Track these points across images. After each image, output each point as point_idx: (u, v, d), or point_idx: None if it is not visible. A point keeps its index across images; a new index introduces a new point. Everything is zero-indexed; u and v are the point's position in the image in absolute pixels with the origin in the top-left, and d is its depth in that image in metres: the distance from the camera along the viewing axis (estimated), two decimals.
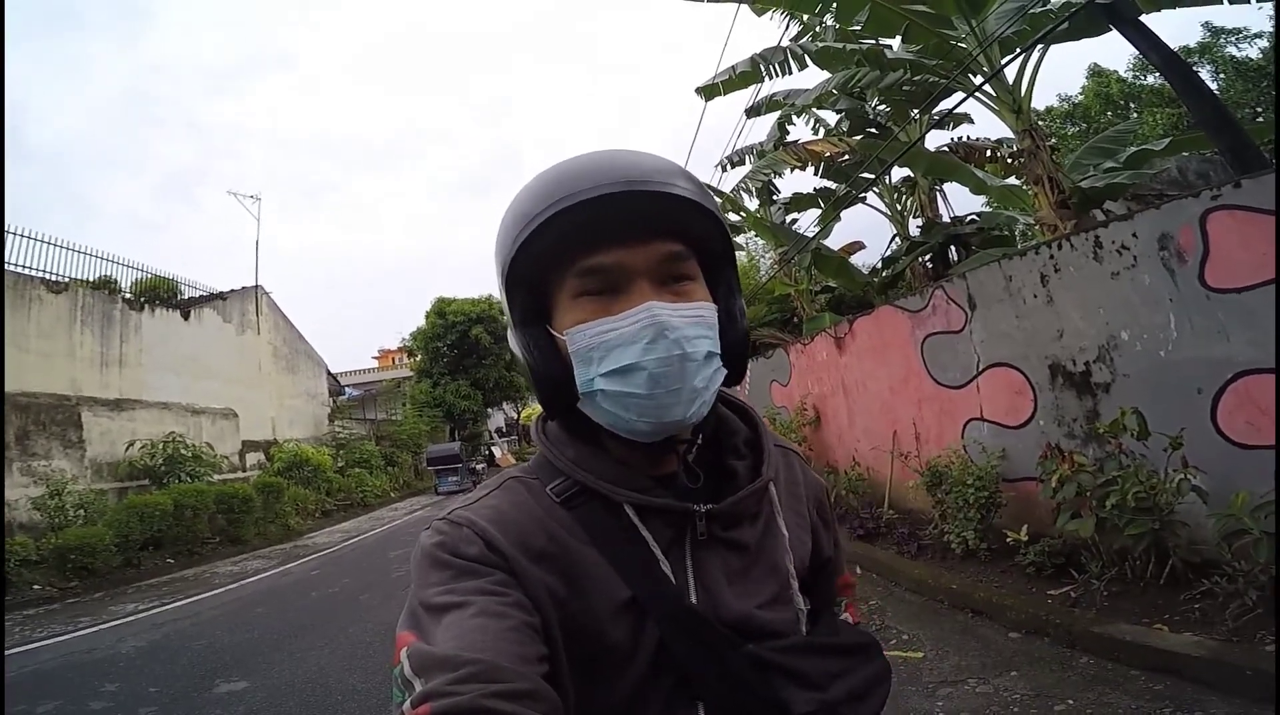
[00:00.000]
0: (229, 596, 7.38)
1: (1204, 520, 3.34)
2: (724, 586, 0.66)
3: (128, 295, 13.38)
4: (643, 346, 0.61)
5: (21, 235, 11.14)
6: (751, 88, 8.31)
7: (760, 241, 13.28)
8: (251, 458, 15.47)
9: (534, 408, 46.19)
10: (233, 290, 16.69)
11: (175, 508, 9.92)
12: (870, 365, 6.81)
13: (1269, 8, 10.78)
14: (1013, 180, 8.50)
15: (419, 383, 26.84)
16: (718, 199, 9.29)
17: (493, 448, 30.37)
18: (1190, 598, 3.26)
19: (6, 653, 5.32)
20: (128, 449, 11.43)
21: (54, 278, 11.61)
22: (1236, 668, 2.65)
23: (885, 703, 0.68)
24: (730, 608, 0.65)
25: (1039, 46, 6.11)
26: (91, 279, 12.54)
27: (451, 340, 26.11)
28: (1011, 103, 6.29)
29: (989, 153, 8.95)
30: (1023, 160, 6.44)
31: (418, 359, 28.12)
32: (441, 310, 26.55)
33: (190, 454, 12.10)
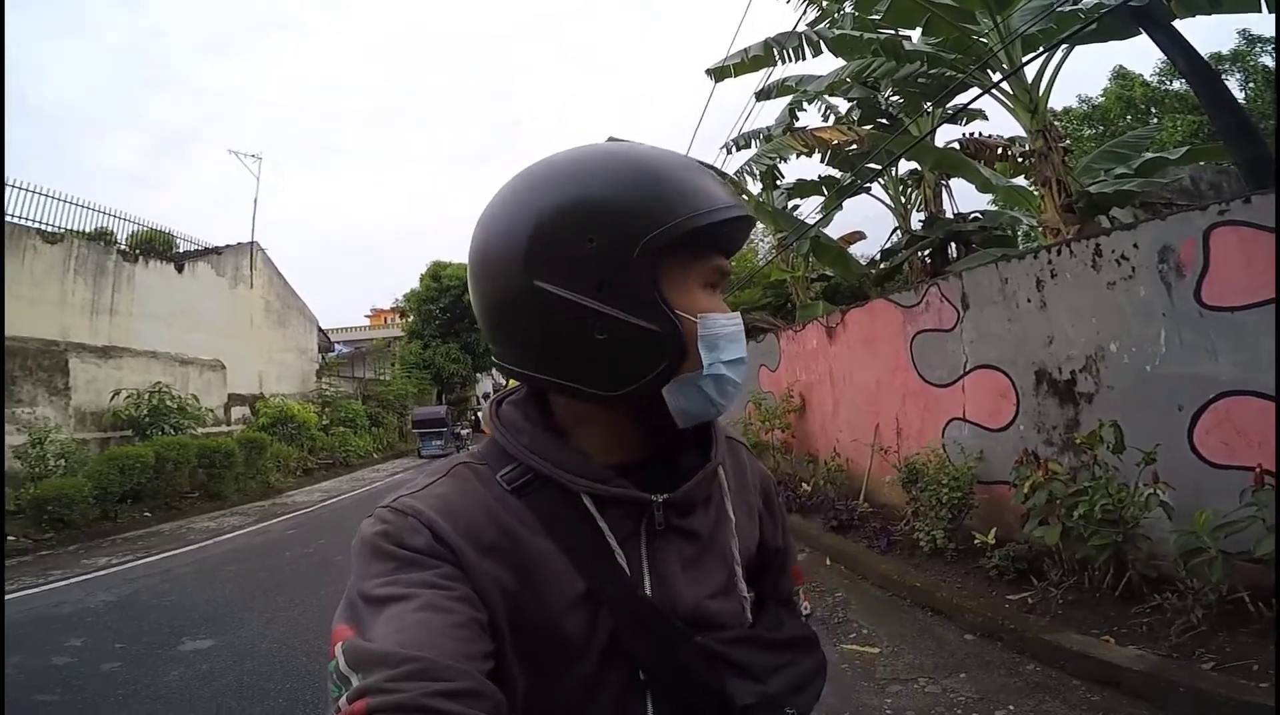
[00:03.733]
0: (204, 553, 7.39)
1: (1167, 535, 3.36)
2: (678, 577, 0.67)
3: (123, 247, 13.29)
4: (742, 344, 0.69)
5: (19, 188, 11.07)
6: (762, 72, 8.19)
7: (760, 226, 13.21)
8: (237, 412, 15.43)
9: None
10: (228, 245, 16.59)
11: (157, 460, 9.88)
12: (859, 357, 6.80)
13: None
14: (1021, 180, 8.44)
15: (409, 343, 26.84)
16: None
17: (479, 413, 30.46)
18: (1141, 612, 3.30)
19: None
20: (113, 398, 11.36)
21: (49, 228, 11.51)
22: (1172, 684, 2.70)
23: (820, 694, 0.70)
24: (684, 599, 0.66)
25: (1062, 46, 5.99)
26: (88, 231, 12.48)
27: (445, 303, 26.05)
28: (1028, 102, 6.21)
29: (1000, 150, 8.88)
30: (1033, 160, 6.37)
31: (409, 320, 28.08)
32: (437, 273, 26.45)
33: (175, 405, 12.04)
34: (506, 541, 0.63)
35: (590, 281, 0.62)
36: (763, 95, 9.07)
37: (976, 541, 4.38)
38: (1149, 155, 7.42)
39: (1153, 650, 2.97)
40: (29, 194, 11.26)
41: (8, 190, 10.75)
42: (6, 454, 9.23)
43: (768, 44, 7.28)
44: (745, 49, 7.58)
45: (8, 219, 10.67)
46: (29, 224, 11.13)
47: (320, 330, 21.44)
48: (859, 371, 6.82)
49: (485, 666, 0.54)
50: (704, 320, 0.65)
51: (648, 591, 0.65)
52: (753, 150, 9.87)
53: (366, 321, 41.68)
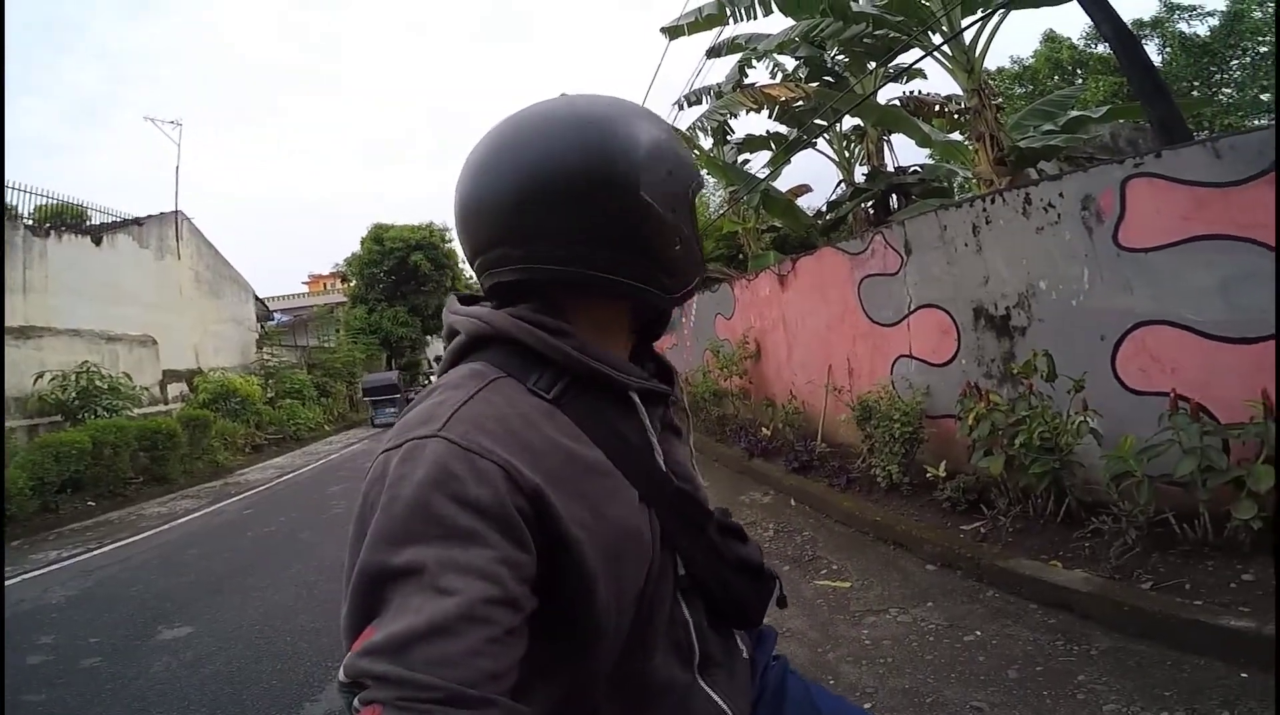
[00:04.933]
0: (160, 539, 7.18)
1: (1097, 461, 3.63)
2: (686, 468, 0.75)
3: (29, 222, 12.34)
4: None
5: None
6: (714, 30, 8.20)
7: (712, 179, 13.26)
8: (174, 389, 14.79)
9: None
10: (150, 216, 15.58)
11: (94, 446, 9.39)
12: (810, 302, 6.99)
13: None
14: (956, 136, 8.73)
15: (353, 309, 26.04)
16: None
17: (431, 376, 29.98)
18: (1081, 536, 3.55)
19: None
20: (36, 381, 10.71)
21: None
22: (1117, 603, 2.92)
23: None
24: (695, 485, 0.74)
25: (999, 11, 6.19)
26: None
27: (389, 266, 25.28)
28: (966, 63, 6.44)
29: (938, 107, 9.23)
30: (969, 117, 6.62)
31: (352, 285, 27.16)
32: (379, 236, 25.56)
33: (106, 386, 11.41)
34: (570, 465, 0.61)
35: (669, 204, 0.70)
36: (713, 53, 9.12)
37: (929, 475, 4.63)
38: (1074, 113, 7.81)
39: (1096, 572, 3.20)
40: None
41: None
42: None
43: (720, 3, 7.32)
44: (699, 8, 7.57)
45: None
46: None
47: (257, 299, 20.54)
48: (810, 316, 7.02)
49: (512, 679, 0.51)
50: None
51: (678, 485, 0.70)
52: (704, 107, 9.94)
53: (305, 288, 40.08)
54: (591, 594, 0.58)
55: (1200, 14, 16.96)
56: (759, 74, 10.05)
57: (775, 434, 7.11)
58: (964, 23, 6.40)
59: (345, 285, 29.24)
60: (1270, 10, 15.70)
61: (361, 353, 23.26)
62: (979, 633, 3.05)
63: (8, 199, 12.08)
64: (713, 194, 14.58)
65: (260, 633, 4.02)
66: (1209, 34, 16.82)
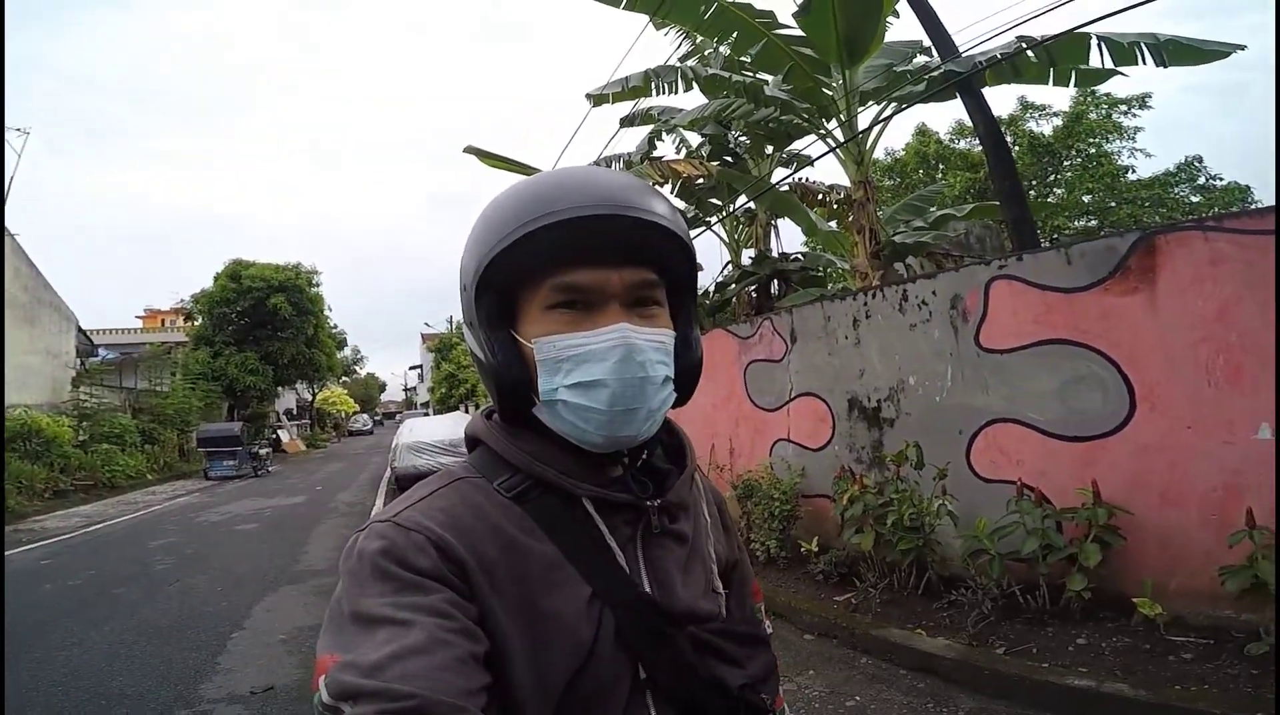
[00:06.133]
0: None
1: (954, 540, 4.01)
2: (675, 578, 0.70)
3: None
4: (611, 364, 0.64)
5: None
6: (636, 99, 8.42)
7: None
8: None
9: (331, 391, 42.78)
10: None
11: None
12: (699, 382, 7.25)
13: (1072, 90, 12.32)
14: (833, 225, 9.44)
15: (195, 350, 23.64)
16: None
17: (279, 432, 27.58)
18: (941, 606, 3.88)
19: None
20: None
21: None
22: (977, 668, 3.21)
23: (779, 687, 0.77)
24: (680, 598, 0.69)
25: (894, 104, 6.79)
26: None
27: (244, 307, 23.33)
28: (857, 154, 6.88)
29: (820, 196, 9.73)
30: (851, 208, 7.02)
31: (197, 323, 24.76)
32: (236, 273, 23.64)
33: None
34: (512, 553, 0.63)
35: (467, 320, 0.71)
36: (627, 122, 9.37)
37: (803, 550, 4.88)
38: (939, 211, 8.58)
39: (956, 639, 3.50)
40: None
41: None
42: None
43: (647, 75, 7.56)
44: (626, 78, 7.78)
45: None
46: None
47: (80, 331, 18.27)
48: (699, 395, 7.09)
49: (481, 701, 0.53)
50: (538, 344, 0.66)
51: (648, 591, 0.67)
52: None
53: (140, 323, 36.02)
54: (508, 673, 0.59)
55: (1048, 114, 18.64)
56: (666, 148, 10.47)
57: None
58: (861, 118, 6.87)
59: (188, 323, 26.59)
60: (1103, 113, 17.67)
61: (199, 400, 21.10)
62: (858, 698, 3.21)
63: None
64: None
65: (66, 695, 3.48)
66: (1051, 133, 18.38)
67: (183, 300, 27.58)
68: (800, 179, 9.64)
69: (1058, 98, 18.94)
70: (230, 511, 11.03)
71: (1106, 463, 3.59)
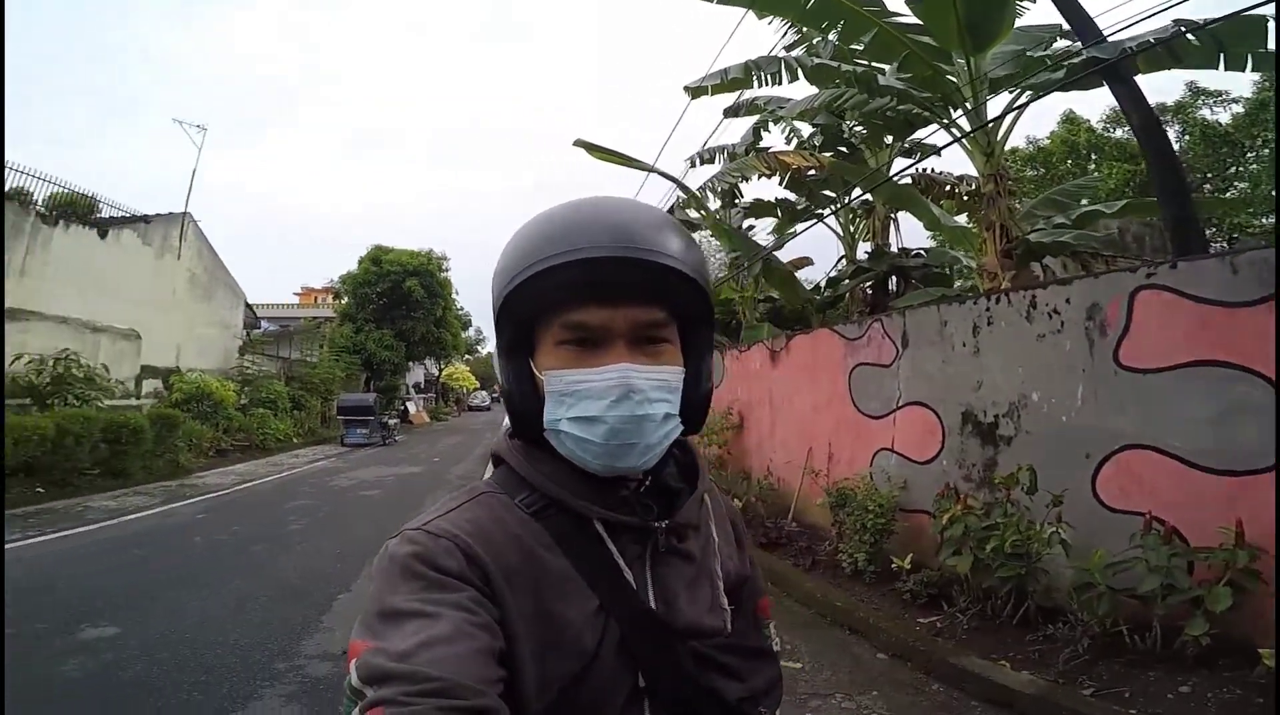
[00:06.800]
0: (104, 534, 6.94)
1: (1063, 570, 3.65)
2: (680, 596, 0.73)
3: (41, 209, 12.49)
4: (608, 402, 0.67)
5: None
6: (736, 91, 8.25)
7: (715, 242, 13.40)
8: (148, 384, 14.60)
9: (455, 367, 45.47)
10: (158, 214, 15.85)
11: (57, 433, 9.15)
12: (800, 382, 7.03)
13: (1256, 76, 10.41)
14: (963, 219, 8.75)
15: (341, 326, 25.98)
16: (682, 194, 9.21)
17: (407, 403, 29.68)
18: (1035, 639, 3.58)
19: None
20: (13, 362, 10.51)
21: None
22: (1056, 706, 2.96)
23: (780, 702, 0.79)
24: (683, 614, 0.72)
25: (1027, 93, 6.23)
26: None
27: (383, 288, 25.37)
28: (986, 145, 6.35)
29: (949, 188, 9.11)
30: (982, 202, 6.51)
31: (343, 302, 27.16)
32: (378, 257, 25.74)
33: (82, 375, 11.28)
34: (529, 563, 0.67)
35: (499, 345, 0.75)
36: (732, 112, 9.16)
37: (894, 566, 4.62)
38: (1087, 207, 7.68)
39: (1042, 675, 3.24)
40: None
41: None
42: None
43: (747, 67, 7.37)
44: (725, 70, 7.64)
45: None
46: None
47: (248, 306, 20.50)
48: (798, 396, 7.06)
49: (499, 691, 0.57)
50: (547, 377, 0.70)
51: (653, 607, 0.70)
52: (717, 166, 9.94)
53: (296, 299, 40.00)
54: (516, 675, 0.62)
55: (1225, 100, 15.96)
56: (773, 138, 10.15)
57: (746, 507, 7.03)
58: (990, 106, 6.31)
59: (336, 302, 29.27)
60: None
61: (342, 371, 23.11)
62: None
63: (22, 184, 12.21)
64: (715, 256, 14.61)
65: (190, 644, 3.86)
66: (1231, 122, 15.73)
67: (332, 281, 30.45)
68: (925, 170, 9.03)
69: (1236, 82, 16.21)
70: (358, 477, 11.99)
71: (1256, 501, 3.11)
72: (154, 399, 14.24)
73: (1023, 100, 6.39)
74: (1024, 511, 3.93)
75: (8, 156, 11.70)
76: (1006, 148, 6.89)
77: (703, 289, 0.72)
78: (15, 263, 11.52)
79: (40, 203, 12.70)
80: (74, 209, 13.48)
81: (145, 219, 15.35)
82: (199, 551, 6.24)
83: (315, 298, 38.77)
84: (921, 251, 9.42)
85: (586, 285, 0.66)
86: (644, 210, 0.72)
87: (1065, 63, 5.79)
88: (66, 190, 13.45)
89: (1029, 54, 6.14)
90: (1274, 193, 4.26)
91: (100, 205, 14.40)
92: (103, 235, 13.92)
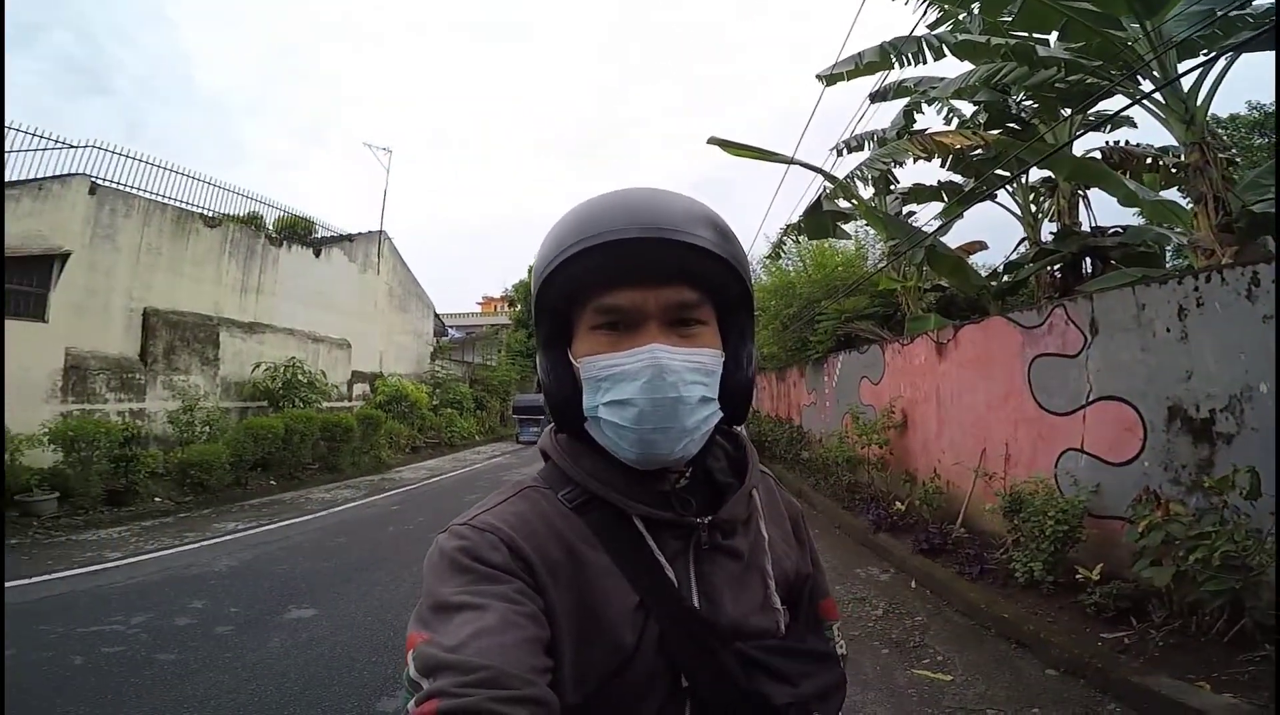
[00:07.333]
0: (316, 524, 7.82)
1: None
2: (724, 593, 0.72)
3: (271, 232, 14.51)
4: (641, 384, 0.67)
5: (184, 174, 12.27)
6: (875, 75, 7.78)
7: (871, 231, 12.67)
8: (357, 388, 16.62)
9: None
10: (359, 233, 17.92)
11: (286, 431, 10.68)
12: (970, 377, 6.44)
13: None
14: (1173, 194, 7.60)
15: (515, 332, 27.97)
16: (829, 184, 8.86)
17: None
18: (1249, 660, 3.06)
19: (124, 561, 5.96)
20: (254, 370, 12.53)
21: (210, 213, 12.76)
22: None
23: (841, 706, 0.74)
24: (727, 613, 0.71)
25: (1227, 54, 5.36)
26: (240, 215, 13.71)
27: None
28: (1184, 112, 5.56)
29: (1150, 160, 8.05)
30: (1187, 174, 5.69)
31: (517, 309, 29.24)
32: None
33: (306, 379, 13.11)
34: (571, 558, 0.68)
35: (539, 339, 0.75)
36: (878, 97, 8.65)
37: (1079, 576, 4.10)
38: None
39: (1248, 700, 2.77)
40: (194, 181, 12.48)
41: (179, 179, 12.07)
42: (159, 417, 10.41)
43: (883, 49, 6.92)
44: (859, 53, 7.23)
45: (178, 204, 11.95)
46: (193, 209, 12.39)
47: (436, 315, 22.71)
48: (969, 393, 6.47)
49: (546, 680, 0.59)
50: (583, 364, 0.70)
51: (695, 605, 0.69)
52: (865, 153, 9.44)
53: (478, 308, 43.67)
54: (560, 664, 0.63)
55: None
56: (928, 119, 9.42)
57: (909, 510, 6.58)
58: (1180, 68, 5.54)
59: (511, 309, 31.56)
60: None
61: (517, 374, 24.86)
62: None
63: (259, 211, 14.41)
64: (872, 247, 13.80)
65: (371, 625, 4.26)
66: None
67: (507, 289, 32.91)
68: (1117, 142, 7.92)
69: None
70: (527, 473, 12.77)
71: None
72: (362, 401, 16.21)
73: (1220, 64, 5.41)
74: (1243, 519, 3.32)
75: (245, 182, 13.96)
76: (1224, 114, 5.85)
77: (736, 271, 0.70)
78: (252, 281, 13.58)
79: (270, 226, 14.61)
80: (294, 230, 15.44)
81: (349, 238, 17.35)
82: (389, 540, 6.94)
83: (495, 306, 42.10)
84: (1119, 229, 8.22)
85: (616, 268, 0.67)
86: (672, 196, 0.72)
87: (1268, 22, 4.81)
88: (288, 213, 15.45)
89: (1218, 13, 5.17)
90: (1274, 192, 3.20)
91: (315, 227, 16.36)
92: (317, 254, 15.87)
